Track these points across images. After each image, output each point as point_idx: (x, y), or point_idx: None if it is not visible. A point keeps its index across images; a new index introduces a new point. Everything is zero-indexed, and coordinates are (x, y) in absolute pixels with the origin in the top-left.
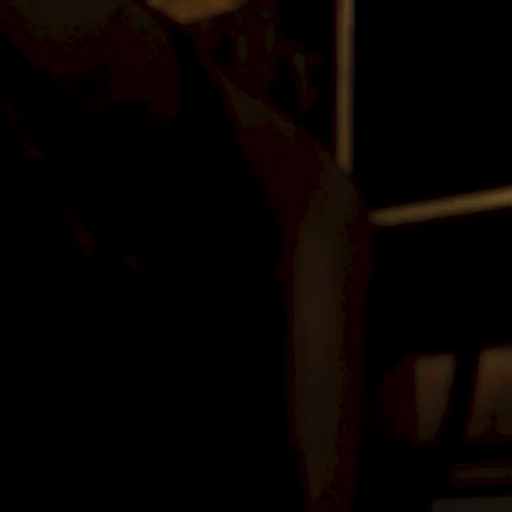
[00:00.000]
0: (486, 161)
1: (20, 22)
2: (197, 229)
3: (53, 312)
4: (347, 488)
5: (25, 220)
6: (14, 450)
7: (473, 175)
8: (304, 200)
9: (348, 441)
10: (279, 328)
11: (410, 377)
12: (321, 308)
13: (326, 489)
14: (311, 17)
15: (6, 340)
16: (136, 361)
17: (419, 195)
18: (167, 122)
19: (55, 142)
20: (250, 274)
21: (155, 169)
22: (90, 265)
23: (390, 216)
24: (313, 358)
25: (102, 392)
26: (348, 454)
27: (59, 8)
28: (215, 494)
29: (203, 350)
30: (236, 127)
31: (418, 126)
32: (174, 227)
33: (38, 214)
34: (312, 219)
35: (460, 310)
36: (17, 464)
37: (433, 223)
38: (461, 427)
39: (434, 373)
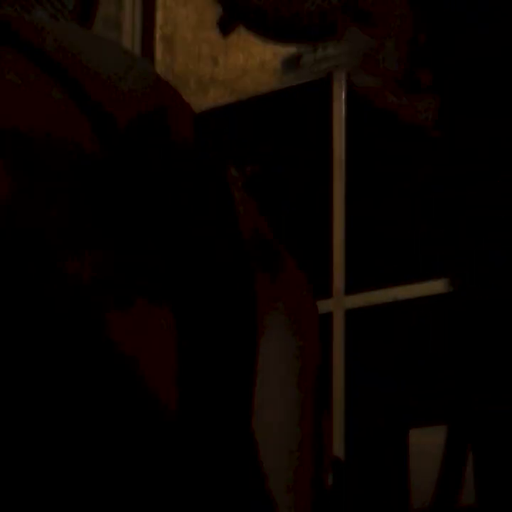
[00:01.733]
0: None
1: (86, 69)
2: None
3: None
4: None
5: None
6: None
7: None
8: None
9: None
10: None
11: (403, 447)
12: (276, 396)
13: None
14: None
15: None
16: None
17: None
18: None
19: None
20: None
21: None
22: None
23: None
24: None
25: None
26: None
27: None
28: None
29: None
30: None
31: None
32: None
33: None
34: (271, 312)
35: (452, 383)
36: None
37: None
38: (454, 495)
39: (426, 443)
